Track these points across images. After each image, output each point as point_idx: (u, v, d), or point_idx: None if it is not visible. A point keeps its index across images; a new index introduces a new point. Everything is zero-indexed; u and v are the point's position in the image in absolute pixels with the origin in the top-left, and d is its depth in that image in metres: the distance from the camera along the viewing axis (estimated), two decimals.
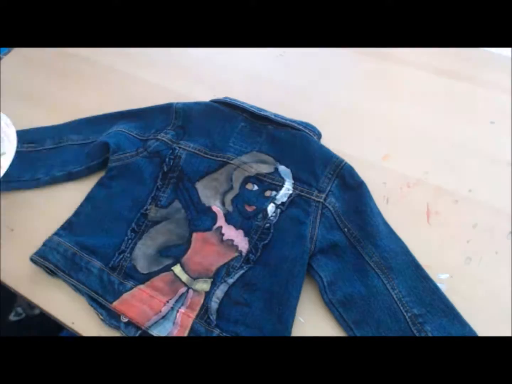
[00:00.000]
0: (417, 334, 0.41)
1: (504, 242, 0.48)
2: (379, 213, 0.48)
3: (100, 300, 0.46)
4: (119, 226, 0.51)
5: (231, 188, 0.52)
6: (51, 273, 0.48)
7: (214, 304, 0.45)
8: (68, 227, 0.51)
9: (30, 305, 0.71)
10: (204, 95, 0.63)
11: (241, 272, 0.46)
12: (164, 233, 0.50)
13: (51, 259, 0.48)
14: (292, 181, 0.52)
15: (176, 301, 0.46)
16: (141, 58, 0.73)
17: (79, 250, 0.49)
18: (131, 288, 0.46)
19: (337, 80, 0.66)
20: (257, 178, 0.52)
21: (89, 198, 0.54)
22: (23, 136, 0.60)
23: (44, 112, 0.65)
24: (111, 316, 0.45)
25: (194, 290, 0.46)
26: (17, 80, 0.70)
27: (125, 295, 0.46)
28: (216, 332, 0.43)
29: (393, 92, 0.64)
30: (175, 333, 0.43)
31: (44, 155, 0.59)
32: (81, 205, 0.53)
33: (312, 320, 0.44)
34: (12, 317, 0.68)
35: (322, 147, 0.53)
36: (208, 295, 0.45)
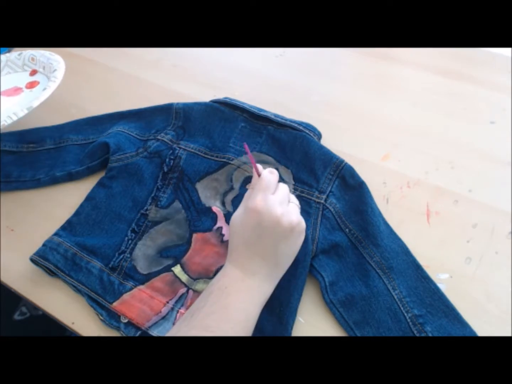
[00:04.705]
0: (417, 335, 0.41)
1: (504, 242, 0.48)
2: (380, 213, 0.48)
3: (100, 300, 0.46)
4: (119, 227, 0.51)
5: (232, 188, 0.52)
6: (51, 273, 0.48)
7: None
8: (68, 227, 0.51)
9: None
10: (204, 95, 0.63)
11: None
12: (164, 234, 0.50)
13: (51, 259, 0.48)
14: (293, 182, 0.52)
15: (176, 302, 0.46)
16: (141, 58, 0.73)
17: (79, 250, 0.49)
18: (131, 289, 0.46)
19: (337, 80, 0.67)
20: None
21: (89, 198, 0.54)
22: (23, 136, 0.61)
23: (44, 112, 0.65)
24: (111, 317, 0.45)
25: (194, 291, 0.46)
26: None
27: (125, 296, 0.46)
28: None
29: (393, 92, 0.64)
30: None
31: (44, 155, 0.59)
32: (81, 205, 0.53)
33: (312, 320, 0.44)
34: (16, 316, 0.68)
35: (322, 148, 0.53)
36: None
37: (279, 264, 0.42)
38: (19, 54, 0.63)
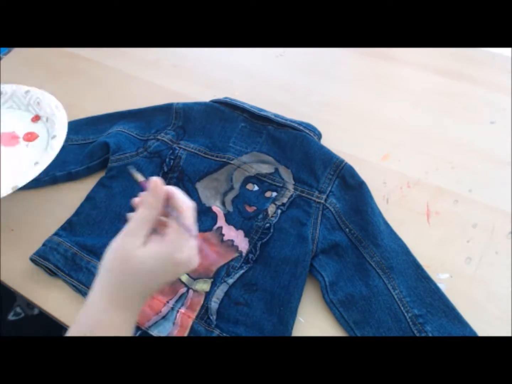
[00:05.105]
0: (417, 334, 0.41)
1: (504, 242, 0.48)
2: (380, 213, 0.48)
3: None
4: (119, 226, 0.50)
5: (232, 188, 0.52)
6: (51, 273, 0.48)
7: (214, 305, 0.45)
8: (68, 227, 0.51)
9: (29, 305, 0.71)
10: (204, 95, 0.63)
11: (241, 272, 0.46)
12: None
13: (51, 259, 0.48)
14: (293, 182, 0.52)
15: (176, 302, 0.45)
16: (141, 58, 0.73)
17: (79, 250, 0.49)
18: None
19: (337, 80, 0.66)
20: (257, 179, 0.52)
21: (89, 198, 0.54)
22: None
23: None
24: None
25: (194, 291, 0.46)
26: (17, 80, 0.70)
27: None
28: (216, 333, 0.43)
29: (393, 92, 0.64)
30: (175, 333, 0.43)
31: None
32: (81, 205, 0.53)
33: (312, 320, 0.44)
34: (11, 317, 0.68)
35: (322, 148, 0.53)
36: (208, 295, 0.45)
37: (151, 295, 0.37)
38: (26, 92, 0.59)
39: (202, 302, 0.45)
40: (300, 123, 0.55)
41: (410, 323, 0.42)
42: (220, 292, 0.45)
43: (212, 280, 0.47)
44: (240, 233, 0.49)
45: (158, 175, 0.54)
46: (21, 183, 0.46)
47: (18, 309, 0.69)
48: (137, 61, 0.73)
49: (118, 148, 0.56)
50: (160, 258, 0.33)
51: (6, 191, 0.45)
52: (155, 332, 0.44)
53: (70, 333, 0.34)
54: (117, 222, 0.51)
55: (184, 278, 0.47)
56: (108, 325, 0.34)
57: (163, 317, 0.44)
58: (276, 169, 0.53)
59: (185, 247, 0.33)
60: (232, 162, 0.54)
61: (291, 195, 0.50)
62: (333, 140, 0.57)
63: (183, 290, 0.46)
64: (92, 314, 0.35)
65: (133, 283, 0.34)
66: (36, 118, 0.57)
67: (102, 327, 0.33)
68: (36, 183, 0.57)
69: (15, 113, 0.59)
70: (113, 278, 0.34)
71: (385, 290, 0.43)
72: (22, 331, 0.67)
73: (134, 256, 0.33)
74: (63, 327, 0.46)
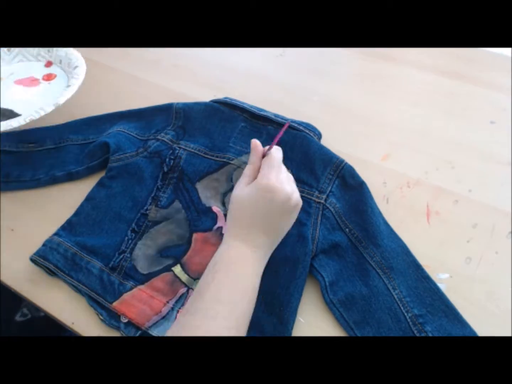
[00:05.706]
0: (417, 334, 0.41)
1: (504, 242, 0.48)
2: (380, 213, 0.48)
3: (100, 300, 0.46)
4: (119, 226, 0.51)
5: (232, 188, 0.52)
6: (51, 273, 0.48)
7: None
8: (68, 227, 0.51)
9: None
10: (204, 95, 0.63)
11: None
12: (164, 234, 0.50)
13: (51, 259, 0.48)
14: None
15: (176, 302, 0.46)
16: (141, 58, 0.73)
17: (79, 250, 0.49)
18: (131, 289, 0.46)
19: (337, 80, 0.67)
20: None
21: (89, 198, 0.54)
22: (23, 136, 0.61)
23: None
24: (111, 316, 0.45)
25: None
26: None
27: (125, 296, 0.46)
28: None
29: (393, 92, 0.64)
30: None
31: (44, 155, 0.59)
32: (81, 205, 0.53)
33: (313, 320, 0.44)
34: (18, 318, 0.68)
35: (322, 148, 0.53)
36: None
37: (277, 238, 0.44)
38: None
39: None
40: (300, 123, 0.55)
41: (410, 323, 0.42)
42: None
43: None
44: None
45: (158, 175, 0.54)
46: (62, 101, 0.51)
47: (25, 310, 0.69)
48: (137, 61, 0.73)
49: (118, 148, 0.56)
50: (252, 191, 0.42)
51: (49, 108, 0.50)
52: (155, 332, 0.44)
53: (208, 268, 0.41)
54: (117, 222, 0.51)
55: (184, 278, 0.47)
56: (236, 256, 0.41)
57: (163, 317, 0.44)
58: None
59: (271, 175, 0.41)
60: (232, 162, 0.54)
61: None
62: (333, 140, 0.57)
63: (183, 290, 0.46)
64: (221, 251, 0.42)
65: (245, 218, 0.42)
66: (49, 64, 0.61)
67: (232, 260, 0.40)
68: (36, 183, 0.57)
69: (27, 64, 0.62)
70: (230, 218, 0.44)
71: (385, 290, 0.43)
72: (29, 332, 0.67)
73: (237, 196, 0.43)
74: (66, 329, 0.46)
